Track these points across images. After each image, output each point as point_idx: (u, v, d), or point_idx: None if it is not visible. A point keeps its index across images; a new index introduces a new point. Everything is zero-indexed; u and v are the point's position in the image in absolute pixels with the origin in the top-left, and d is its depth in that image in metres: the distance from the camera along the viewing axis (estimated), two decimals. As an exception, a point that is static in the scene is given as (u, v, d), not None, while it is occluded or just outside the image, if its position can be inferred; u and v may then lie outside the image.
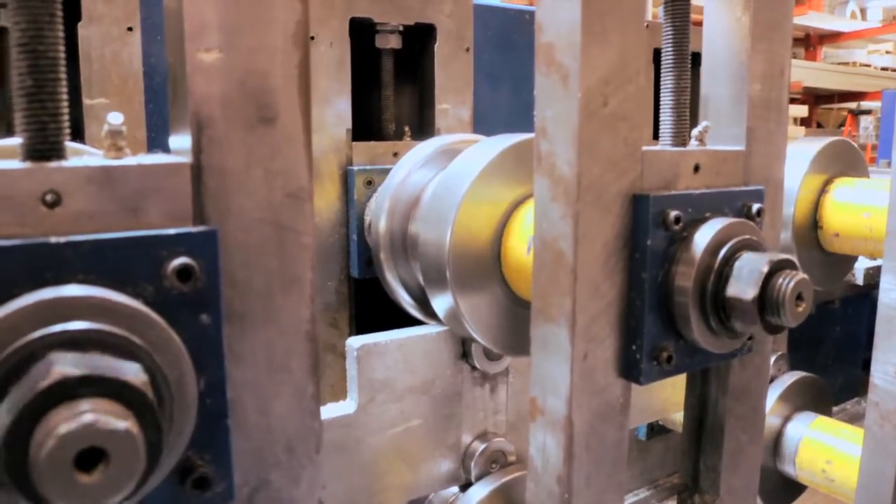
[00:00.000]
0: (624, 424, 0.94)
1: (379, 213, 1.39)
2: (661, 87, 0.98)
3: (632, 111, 0.85)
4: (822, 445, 1.70)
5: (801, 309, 0.85)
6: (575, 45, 0.81)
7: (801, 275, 0.84)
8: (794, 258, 0.86)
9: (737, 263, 0.87)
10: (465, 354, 1.27)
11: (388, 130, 1.69)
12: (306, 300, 0.67)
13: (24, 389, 0.44)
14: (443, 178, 1.19)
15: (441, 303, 1.16)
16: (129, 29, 1.31)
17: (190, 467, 0.59)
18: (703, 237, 0.88)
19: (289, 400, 0.66)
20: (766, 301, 0.85)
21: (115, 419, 0.44)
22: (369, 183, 1.54)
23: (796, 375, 1.81)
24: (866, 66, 12.14)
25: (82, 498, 0.44)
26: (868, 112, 12.02)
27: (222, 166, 0.61)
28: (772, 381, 1.80)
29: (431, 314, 1.28)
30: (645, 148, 0.88)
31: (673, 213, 0.87)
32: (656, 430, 2.11)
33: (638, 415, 1.62)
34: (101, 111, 1.30)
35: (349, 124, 1.57)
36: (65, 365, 0.46)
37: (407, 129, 1.69)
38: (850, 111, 12.33)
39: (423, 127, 1.73)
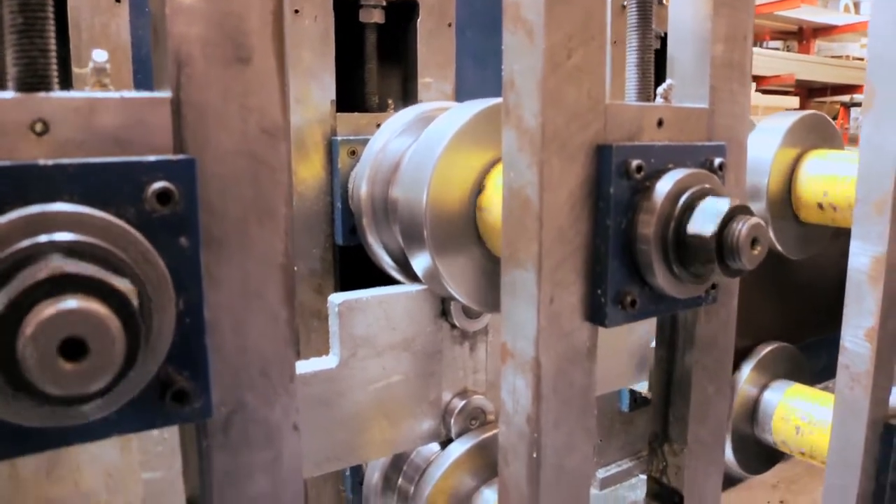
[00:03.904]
0: (591, 370, 0.98)
1: (360, 181, 1.43)
2: (627, 45, 1.02)
3: (595, 66, 0.89)
4: (796, 411, 1.74)
5: (756, 252, 0.89)
6: (539, 2, 0.85)
7: (756, 219, 0.88)
8: (748, 205, 0.91)
9: (698, 205, 0.91)
10: (444, 312, 1.31)
11: (371, 103, 1.73)
12: (281, 233, 0.71)
13: (17, 284, 0.49)
14: (419, 144, 1.22)
15: (420, 263, 1.20)
16: (118, 1, 1.36)
17: (169, 381, 0.63)
18: (664, 186, 0.92)
19: (263, 324, 0.70)
20: (724, 244, 0.89)
21: (97, 310, 0.48)
22: (353, 153, 1.58)
23: (773, 345, 1.85)
24: (859, 59, 12.18)
25: (62, 381, 0.48)
26: (860, 105, 12.06)
27: (201, 101, 0.65)
28: (750, 350, 1.84)
29: (413, 276, 1.32)
30: (609, 101, 0.92)
31: (635, 163, 0.91)
32: (639, 401, 2.14)
33: (617, 378, 1.66)
34: (91, 80, 1.33)
35: (333, 96, 1.61)
36: (57, 263, 0.50)
37: (391, 101, 1.73)
38: (843, 104, 12.38)
39: (407, 100, 1.77)
